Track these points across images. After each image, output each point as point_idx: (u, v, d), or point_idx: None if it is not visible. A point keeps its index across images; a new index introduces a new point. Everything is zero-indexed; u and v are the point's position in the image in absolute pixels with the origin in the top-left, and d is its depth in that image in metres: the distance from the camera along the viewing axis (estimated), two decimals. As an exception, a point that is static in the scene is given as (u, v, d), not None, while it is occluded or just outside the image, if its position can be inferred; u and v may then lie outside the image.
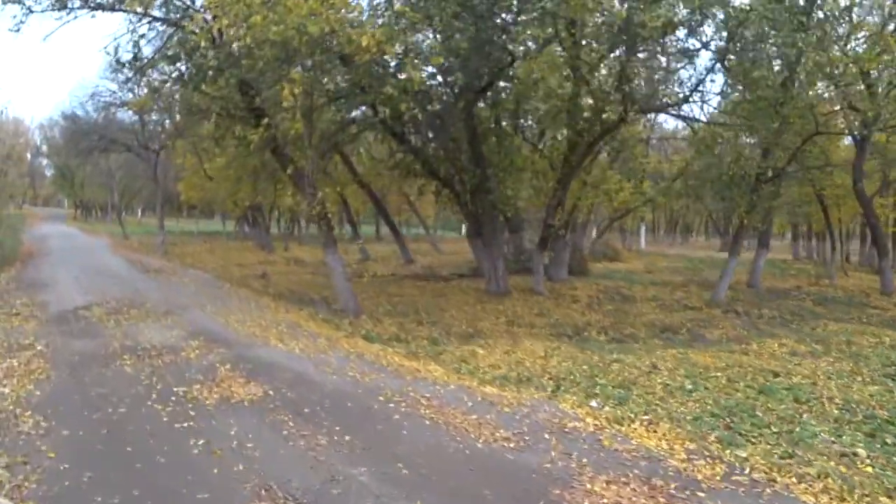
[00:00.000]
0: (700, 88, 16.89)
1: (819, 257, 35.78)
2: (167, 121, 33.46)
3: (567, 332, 16.66)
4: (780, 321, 18.04)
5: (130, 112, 31.08)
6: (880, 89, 20.54)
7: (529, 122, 20.89)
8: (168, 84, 16.09)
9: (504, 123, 20.00)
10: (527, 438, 7.46)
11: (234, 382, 9.03)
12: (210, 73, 14.13)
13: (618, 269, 30.03)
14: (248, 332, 12.73)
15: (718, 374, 11.39)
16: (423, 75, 14.64)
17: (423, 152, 19.20)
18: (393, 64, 14.70)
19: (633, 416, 8.57)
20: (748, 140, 20.03)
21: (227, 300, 16.97)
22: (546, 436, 7.56)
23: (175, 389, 8.58)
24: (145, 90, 26.13)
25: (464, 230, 75.07)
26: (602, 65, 17.94)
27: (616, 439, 7.51)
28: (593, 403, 9.22)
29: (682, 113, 18.04)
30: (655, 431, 7.98)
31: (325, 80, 14.79)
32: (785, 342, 14.67)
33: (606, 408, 8.97)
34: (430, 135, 19.47)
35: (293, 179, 16.69)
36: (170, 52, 14.20)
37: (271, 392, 8.68)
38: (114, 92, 31.79)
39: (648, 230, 56.57)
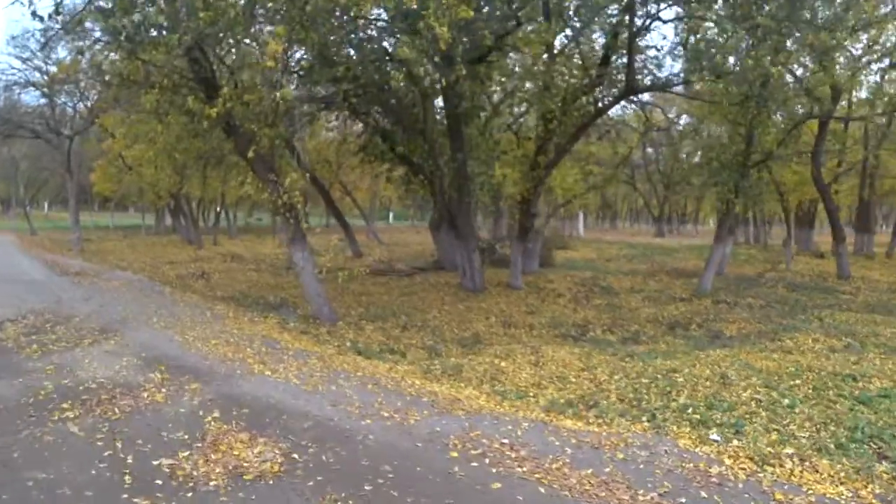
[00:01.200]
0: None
1: (760, 242, 35.33)
2: (82, 102, 28.91)
3: (571, 332, 14.43)
4: (779, 311, 16.43)
5: (38, 93, 26.46)
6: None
7: (510, 102, 18.37)
8: (97, 47, 12.51)
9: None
10: (683, 502, 5.11)
11: (234, 442, 6.11)
12: (154, 32, 10.84)
13: (573, 259, 28.15)
14: (218, 356, 9.67)
15: (796, 381, 9.38)
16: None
17: (392, 134, 16.34)
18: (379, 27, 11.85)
19: (770, 450, 6.46)
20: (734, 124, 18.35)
21: (174, 309, 13.64)
22: (703, 494, 5.32)
23: (155, 463, 5.59)
24: (54, 68, 22.11)
25: (391, 218, 71.80)
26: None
27: (783, 488, 5.49)
28: (715, 437, 7.06)
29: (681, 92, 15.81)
30: (817, 471, 5.97)
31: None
32: (816, 337, 12.97)
33: (732, 440, 6.83)
34: (399, 115, 16.64)
35: (252, 165, 13.55)
36: (102, 3, 10.76)
37: (295, 455, 5.85)
38: (18, 70, 27.01)
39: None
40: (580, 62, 17.03)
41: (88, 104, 29.28)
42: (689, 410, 8.01)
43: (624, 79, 14.98)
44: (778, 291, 19.98)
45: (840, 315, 15.51)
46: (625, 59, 15.30)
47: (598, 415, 8.02)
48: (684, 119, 26.46)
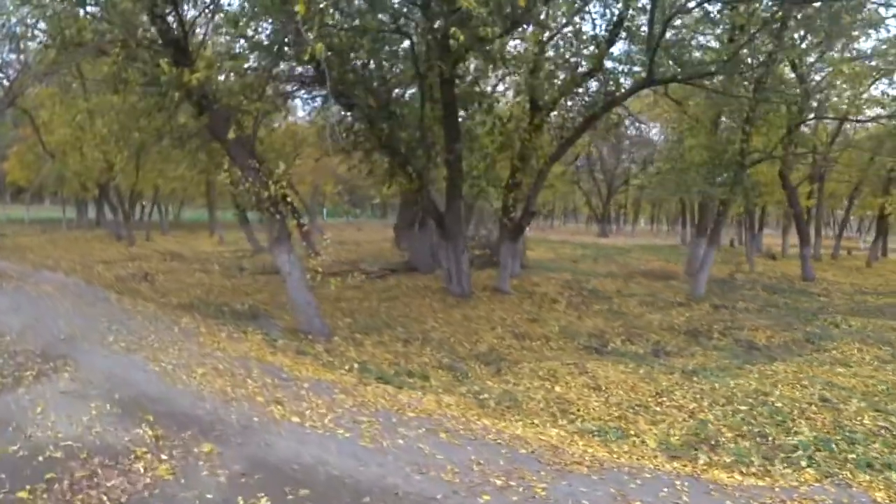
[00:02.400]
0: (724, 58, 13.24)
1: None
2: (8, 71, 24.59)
3: (591, 343, 12.61)
4: (786, 316, 15.21)
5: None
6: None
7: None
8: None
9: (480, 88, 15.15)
10: None
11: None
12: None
13: (539, 259, 26.43)
14: (215, 392, 7.14)
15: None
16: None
17: (377, 122, 13.91)
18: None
19: None
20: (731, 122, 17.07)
21: (130, 323, 10.79)
22: None
23: None
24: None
25: (325, 214, 68.04)
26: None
27: None
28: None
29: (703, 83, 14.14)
30: None
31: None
32: (856, 346, 11.69)
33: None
34: (387, 99, 14.26)
35: (229, 149, 10.91)
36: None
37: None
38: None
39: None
40: (576, 47, 15.14)
41: (5, 80, 25.03)
42: (834, 447, 6.35)
43: (645, 68, 13.18)
44: (760, 294, 18.97)
45: (854, 321, 14.39)
46: (640, 47, 13.55)
47: (736, 459, 6.17)
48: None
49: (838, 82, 17.86)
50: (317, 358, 9.93)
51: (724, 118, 16.75)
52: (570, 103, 15.85)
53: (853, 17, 13.74)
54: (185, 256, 22.88)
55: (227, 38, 12.11)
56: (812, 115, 17.53)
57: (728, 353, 11.65)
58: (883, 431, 6.94)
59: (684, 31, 14.21)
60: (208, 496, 4.55)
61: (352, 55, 12.62)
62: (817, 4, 13.03)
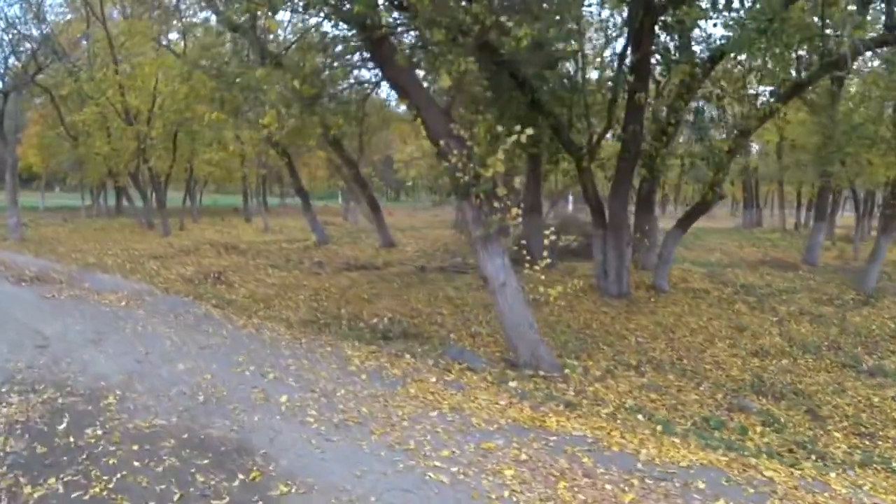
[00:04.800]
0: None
1: (779, 225, 31.45)
2: (29, 44, 19.94)
3: (841, 358, 9.19)
4: None
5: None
6: None
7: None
8: None
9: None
10: None
11: None
12: None
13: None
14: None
15: None
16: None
17: (529, 85, 9.98)
18: None
19: None
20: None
21: (280, 361, 6.90)
22: None
23: None
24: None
25: (340, 198, 62.96)
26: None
27: None
28: None
29: None
30: None
31: None
32: None
33: None
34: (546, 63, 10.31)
35: (424, 114, 7.01)
36: None
37: None
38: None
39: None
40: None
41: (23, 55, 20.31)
42: None
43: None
44: (904, 284, 15.64)
45: None
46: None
47: None
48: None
49: None
50: (574, 408, 6.24)
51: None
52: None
53: None
54: (240, 248, 18.71)
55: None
56: None
57: None
58: None
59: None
60: None
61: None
62: None
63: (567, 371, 7.54)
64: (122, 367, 6.42)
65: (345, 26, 6.98)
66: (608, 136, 11.53)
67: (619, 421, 6.21)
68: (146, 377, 6.15)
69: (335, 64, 7.53)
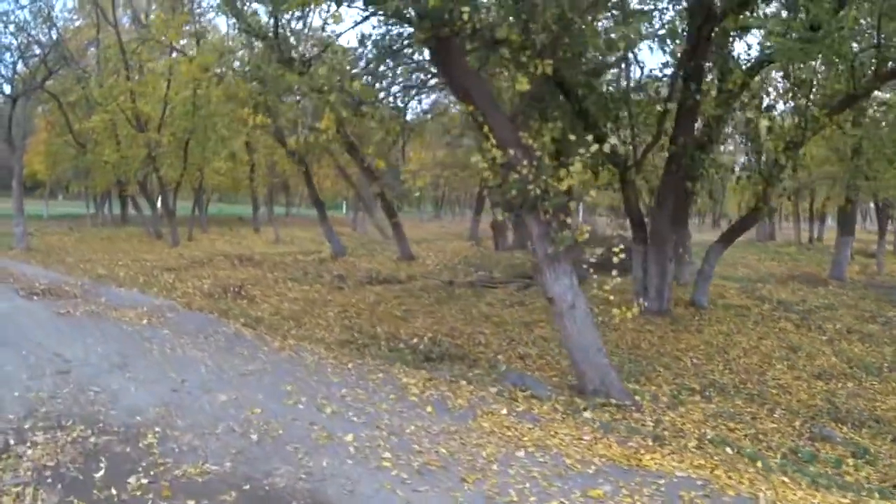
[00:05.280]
0: None
1: (794, 238, 30.84)
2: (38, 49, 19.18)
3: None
4: None
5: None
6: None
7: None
8: None
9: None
10: None
11: None
12: None
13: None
14: None
15: None
16: None
17: (575, 93, 9.32)
18: None
19: None
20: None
21: (331, 391, 6.18)
22: None
23: None
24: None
25: (345, 208, 62.02)
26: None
27: None
28: None
29: None
30: None
31: None
32: None
33: None
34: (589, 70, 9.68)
35: (492, 122, 6.34)
36: None
37: None
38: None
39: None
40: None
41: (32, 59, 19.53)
42: None
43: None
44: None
45: None
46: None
47: None
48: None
49: None
50: (662, 442, 5.54)
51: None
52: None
53: None
54: (254, 260, 17.96)
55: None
56: None
57: None
58: None
59: None
60: None
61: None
62: None
63: (637, 398, 6.83)
64: (157, 398, 5.68)
65: (401, 23, 6.33)
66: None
67: (712, 456, 5.53)
68: (186, 410, 5.41)
69: (392, 65, 6.86)
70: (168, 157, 22.11)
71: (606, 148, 5.95)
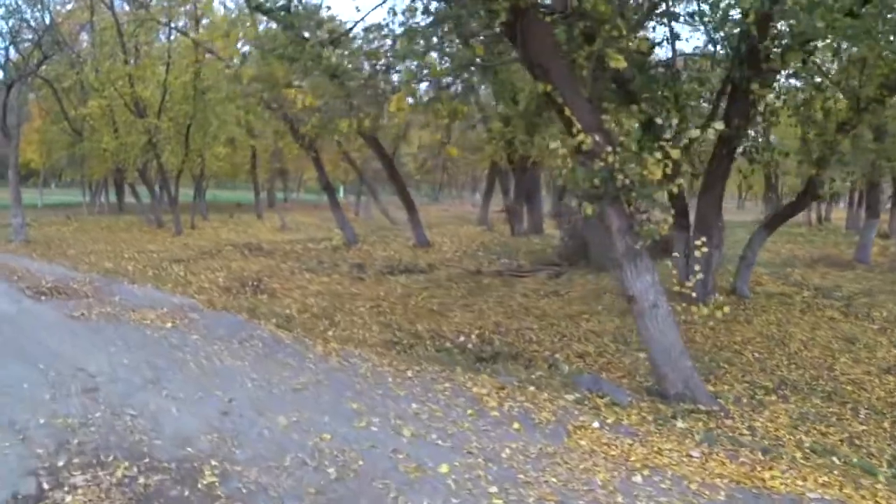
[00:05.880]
0: None
1: (804, 220, 30.09)
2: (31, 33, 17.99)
3: None
4: None
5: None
6: None
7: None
8: None
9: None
10: None
11: None
12: None
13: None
14: None
15: None
16: None
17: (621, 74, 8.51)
18: None
19: None
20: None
21: (400, 408, 5.45)
22: None
23: None
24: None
25: (342, 192, 60.52)
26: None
27: None
28: None
29: None
30: None
31: None
32: None
33: None
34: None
35: (572, 103, 5.54)
36: None
37: None
38: None
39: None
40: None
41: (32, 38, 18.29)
42: None
43: None
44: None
45: None
46: None
47: None
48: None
49: None
50: (769, 453, 4.87)
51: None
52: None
53: None
54: (263, 250, 17.07)
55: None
56: None
57: None
58: None
59: None
60: None
61: None
62: None
63: (720, 401, 6.18)
64: (206, 422, 4.93)
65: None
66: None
67: (830, 469, 4.89)
68: (243, 438, 4.66)
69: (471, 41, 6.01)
70: (169, 142, 21.03)
71: (711, 134, 5.17)
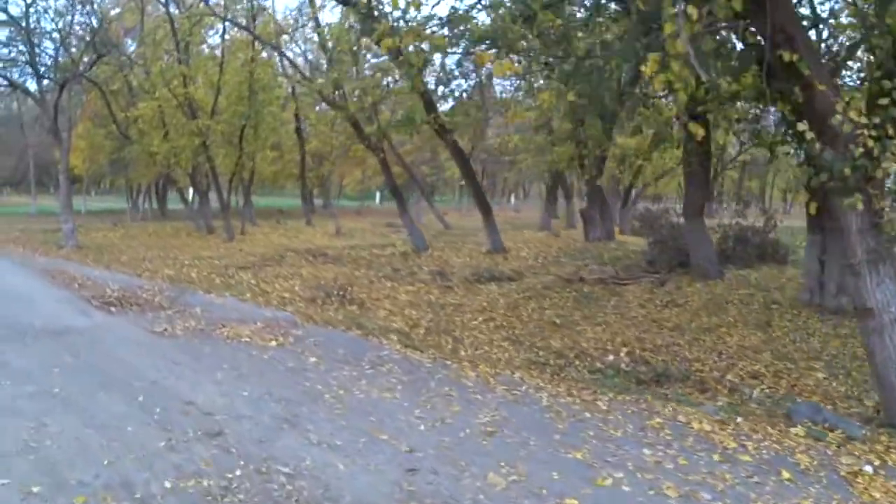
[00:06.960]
0: None
1: None
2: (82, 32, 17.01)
3: None
4: None
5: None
6: None
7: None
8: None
9: None
10: None
11: None
12: None
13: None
14: None
15: None
16: None
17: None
18: None
19: None
20: None
21: (604, 442, 4.00)
22: None
23: None
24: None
25: (378, 199, 59.01)
26: None
27: None
28: None
29: None
30: None
31: None
32: None
33: None
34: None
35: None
36: None
37: None
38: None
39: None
40: None
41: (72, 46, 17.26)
42: None
43: None
44: None
45: None
46: None
47: None
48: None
49: None
50: None
51: None
52: None
53: None
54: (328, 256, 15.75)
55: None
56: None
57: None
58: None
59: None
60: None
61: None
62: None
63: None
64: (393, 485, 3.53)
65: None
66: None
67: None
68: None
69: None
70: (223, 145, 19.93)
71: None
